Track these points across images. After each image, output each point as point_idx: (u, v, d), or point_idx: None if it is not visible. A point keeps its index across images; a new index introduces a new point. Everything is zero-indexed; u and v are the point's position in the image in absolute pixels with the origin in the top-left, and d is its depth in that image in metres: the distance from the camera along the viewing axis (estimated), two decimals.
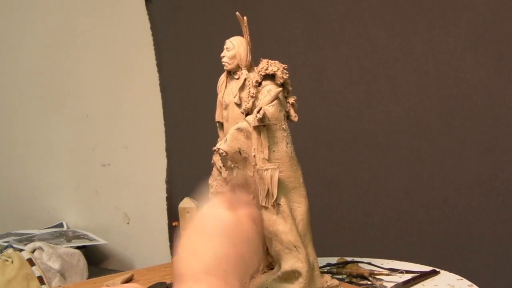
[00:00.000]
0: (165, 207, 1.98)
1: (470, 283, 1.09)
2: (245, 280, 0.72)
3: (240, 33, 0.99)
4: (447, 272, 1.14)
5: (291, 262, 0.94)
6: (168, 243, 1.96)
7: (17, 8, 2.08)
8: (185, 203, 1.41)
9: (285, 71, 0.94)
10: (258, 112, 0.91)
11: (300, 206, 0.95)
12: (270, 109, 0.92)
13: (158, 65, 1.96)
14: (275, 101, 0.92)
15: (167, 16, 1.93)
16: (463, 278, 1.11)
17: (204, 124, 1.74)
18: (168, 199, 1.98)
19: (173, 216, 1.93)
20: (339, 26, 1.64)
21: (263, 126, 0.92)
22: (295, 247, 0.93)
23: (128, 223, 2.06)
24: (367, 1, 1.60)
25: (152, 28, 1.96)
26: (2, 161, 2.20)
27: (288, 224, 0.92)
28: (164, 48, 1.95)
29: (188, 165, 1.95)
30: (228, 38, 1.01)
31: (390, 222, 1.61)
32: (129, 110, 2.02)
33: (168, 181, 1.99)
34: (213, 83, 1.86)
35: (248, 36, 0.98)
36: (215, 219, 0.72)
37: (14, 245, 1.70)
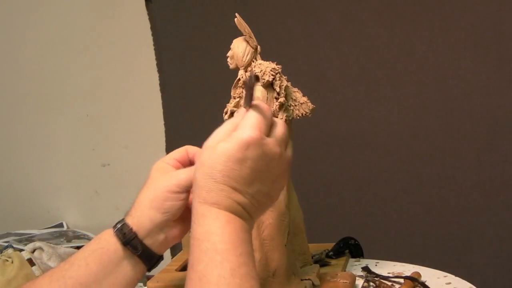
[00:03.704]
0: None
1: (470, 284, 1.08)
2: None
3: (236, 34, 0.99)
4: (446, 273, 1.13)
5: None
6: None
7: (17, 8, 2.08)
8: None
9: (271, 72, 0.94)
10: (225, 113, 0.93)
11: (273, 211, 0.94)
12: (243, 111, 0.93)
13: (158, 65, 1.96)
14: None
15: (167, 16, 1.93)
16: (466, 281, 1.10)
17: (204, 124, 1.74)
18: None
19: None
20: (339, 26, 1.64)
21: None
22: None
23: None
24: (367, 1, 1.60)
25: (152, 28, 1.95)
26: (2, 161, 2.20)
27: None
28: (164, 48, 1.95)
29: None
30: (228, 38, 1.01)
31: (390, 222, 1.61)
32: (129, 110, 2.02)
33: None
34: (213, 83, 1.86)
35: (249, 36, 0.98)
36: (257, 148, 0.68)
37: (14, 245, 1.70)
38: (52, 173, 2.14)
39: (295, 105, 0.98)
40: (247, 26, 0.98)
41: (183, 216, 0.80)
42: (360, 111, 1.62)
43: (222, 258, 0.63)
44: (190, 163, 0.84)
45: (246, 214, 0.68)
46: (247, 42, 0.98)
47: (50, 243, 1.75)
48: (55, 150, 2.13)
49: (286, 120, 0.94)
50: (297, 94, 0.99)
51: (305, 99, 0.98)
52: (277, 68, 0.96)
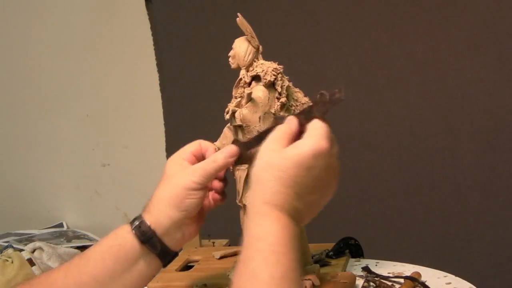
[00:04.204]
0: None
1: (470, 284, 1.08)
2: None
3: (236, 34, 0.99)
4: (446, 273, 1.13)
5: None
6: None
7: (17, 8, 2.08)
8: None
9: (273, 72, 0.94)
10: (226, 113, 0.93)
11: None
12: (243, 111, 0.93)
13: (158, 65, 1.96)
14: (249, 103, 0.94)
15: (167, 16, 1.93)
16: (466, 281, 1.10)
17: (204, 124, 1.74)
18: None
19: None
20: (339, 26, 1.64)
21: (239, 126, 0.93)
22: None
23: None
24: (367, 1, 1.60)
25: (152, 28, 1.95)
26: (2, 161, 2.20)
27: None
28: (164, 48, 1.95)
29: None
30: (228, 38, 1.02)
31: (390, 222, 1.61)
32: (129, 110, 2.02)
33: None
34: (213, 83, 1.86)
35: (250, 35, 0.98)
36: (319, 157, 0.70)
37: (14, 245, 1.70)
38: (52, 173, 2.14)
39: (297, 105, 0.98)
40: (249, 26, 0.98)
41: (199, 212, 0.81)
42: (360, 111, 1.62)
43: (276, 260, 0.64)
44: (203, 157, 0.84)
45: (300, 221, 0.70)
46: (249, 41, 0.98)
47: (50, 243, 1.75)
48: (55, 150, 2.13)
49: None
50: (299, 95, 0.99)
51: (306, 99, 0.99)
52: (279, 68, 0.96)
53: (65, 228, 2.07)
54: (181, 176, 0.80)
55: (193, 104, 1.90)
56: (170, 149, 1.99)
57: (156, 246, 0.78)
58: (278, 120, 0.79)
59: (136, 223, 0.79)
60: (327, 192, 0.73)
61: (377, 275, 1.09)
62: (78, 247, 1.84)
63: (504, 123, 1.46)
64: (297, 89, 1.00)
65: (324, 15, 1.66)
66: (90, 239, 1.96)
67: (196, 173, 0.79)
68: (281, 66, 0.97)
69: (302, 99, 0.99)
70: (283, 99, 0.95)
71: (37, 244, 1.65)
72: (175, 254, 0.81)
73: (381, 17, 1.58)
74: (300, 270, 0.67)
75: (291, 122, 0.74)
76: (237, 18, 0.97)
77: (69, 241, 1.90)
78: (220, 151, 0.83)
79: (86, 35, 2.05)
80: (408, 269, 1.13)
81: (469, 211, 1.52)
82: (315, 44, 1.67)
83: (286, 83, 0.96)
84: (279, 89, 0.95)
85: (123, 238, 0.79)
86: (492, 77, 1.47)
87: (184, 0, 1.89)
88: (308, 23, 1.67)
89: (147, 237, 0.78)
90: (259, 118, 0.94)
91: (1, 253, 1.50)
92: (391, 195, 1.60)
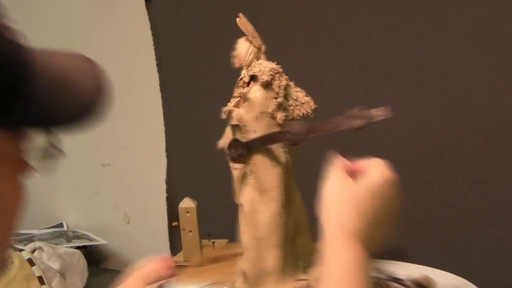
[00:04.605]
0: (165, 207, 1.98)
1: (471, 284, 1.08)
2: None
3: (236, 34, 1.00)
4: (446, 272, 1.14)
5: (241, 261, 0.97)
6: (168, 243, 1.96)
7: (17, 8, 2.08)
8: (185, 203, 1.41)
9: (270, 72, 0.94)
10: (224, 113, 0.95)
11: (268, 210, 0.95)
12: (240, 111, 0.94)
13: (158, 65, 1.96)
14: (246, 103, 0.94)
15: (167, 16, 1.93)
16: (466, 281, 1.10)
17: (204, 124, 1.74)
18: (168, 199, 1.98)
19: (173, 216, 1.93)
20: (339, 26, 1.64)
21: (236, 126, 0.94)
22: (246, 248, 0.94)
23: (128, 223, 2.06)
24: (367, 1, 1.60)
25: (152, 28, 1.95)
26: None
27: (244, 225, 0.95)
28: (164, 48, 1.95)
29: (188, 165, 1.95)
30: (228, 38, 1.02)
31: None
32: (129, 110, 2.02)
33: (168, 181, 1.99)
34: (213, 83, 1.86)
35: (252, 35, 0.98)
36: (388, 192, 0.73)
37: (14, 245, 1.70)
38: (52, 173, 2.14)
39: (296, 105, 0.98)
40: (251, 25, 0.98)
41: None
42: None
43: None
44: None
45: (370, 250, 0.72)
46: (250, 41, 0.98)
47: (50, 243, 1.75)
48: None
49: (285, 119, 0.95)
50: (299, 94, 0.99)
51: (307, 99, 0.99)
52: (276, 68, 0.96)
53: (65, 228, 2.07)
54: None
55: (193, 104, 1.90)
56: (170, 149, 1.99)
57: None
58: (286, 126, 0.81)
59: None
60: (392, 223, 0.75)
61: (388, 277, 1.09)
62: (78, 247, 1.84)
63: (504, 123, 1.46)
64: (298, 89, 1.00)
65: (324, 15, 1.66)
66: (90, 239, 1.96)
67: None
68: (279, 66, 0.97)
69: (302, 99, 0.99)
70: (280, 99, 0.95)
71: (37, 244, 1.65)
72: None
73: (381, 17, 1.58)
74: None
75: (341, 159, 0.79)
76: (237, 19, 0.97)
77: (69, 241, 1.90)
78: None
79: (86, 35, 2.05)
80: (411, 269, 1.13)
81: (469, 211, 1.52)
82: (315, 44, 1.67)
83: (284, 82, 0.96)
84: (276, 89, 0.95)
85: None
86: (492, 77, 1.47)
87: (184, 0, 1.89)
88: (308, 23, 1.67)
89: None
90: (256, 118, 0.94)
91: None
92: None
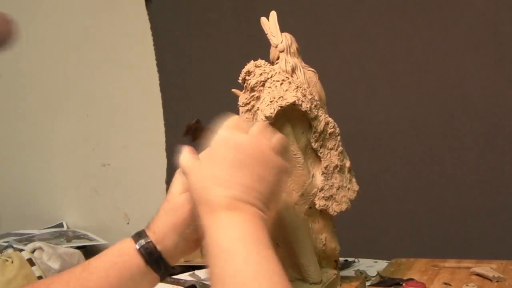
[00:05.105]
0: None
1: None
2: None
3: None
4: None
5: None
6: None
7: (16, 8, 2.08)
8: None
9: (261, 77, 0.94)
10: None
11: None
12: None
13: (158, 65, 1.96)
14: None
15: (167, 16, 1.93)
16: None
17: (204, 124, 1.74)
18: None
19: None
20: (339, 26, 1.64)
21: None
22: None
23: (128, 223, 2.06)
24: (367, 1, 1.60)
25: (152, 28, 1.95)
26: (2, 161, 2.20)
27: None
28: (164, 48, 1.95)
29: None
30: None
31: (390, 222, 1.61)
32: (129, 110, 2.02)
33: (168, 181, 1.99)
34: (213, 83, 1.86)
35: (270, 34, 0.99)
36: (232, 143, 0.72)
37: (14, 245, 1.69)
38: (52, 173, 2.14)
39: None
40: (272, 24, 0.99)
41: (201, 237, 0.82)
42: (360, 111, 1.62)
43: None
44: None
45: (263, 201, 0.70)
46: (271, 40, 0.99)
47: (50, 243, 1.75)
48: (55, 150, 2.13)
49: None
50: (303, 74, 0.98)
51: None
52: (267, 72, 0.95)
53: (65, 228, 2.07)
54: (185, 204, 0.81)
55: (193, 104, 1.90)
56: (170, 149, 1.99)
57: (160, 268, 0.78)
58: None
59: (142, 242, 0.79)
60: (262, 167, 0.72)
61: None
62: (78, 247, 1.84)
63: (504, 123, 1.46)
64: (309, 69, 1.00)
65: (324, 15, 1.66)
66: (90, 239, 1.96)
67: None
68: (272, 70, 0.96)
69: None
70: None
71: (37, 244, 1.65)
72: (173, 270, 0.82)
73: (381, 17, 1.58)
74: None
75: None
76: (261, 18, 0.98)
77: (69, 241, 1.90)
78: None
79: (86, 35, 2.05)
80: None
81: (469, 211, 1.52)
82: (315, 44, 1.67)
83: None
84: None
85: (128, 256, 0.78)
86: (492, 77, 1.47)
87: (184, 0, 1.89)
88: (308, 23, 1.67)
89: (153, 259, 0.78)
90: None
91: (1, 253, 1.50)
92: (391, 195, 1.60)
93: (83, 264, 0.79)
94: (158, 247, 0.78)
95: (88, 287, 0.76)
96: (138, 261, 0.78)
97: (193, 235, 0.79)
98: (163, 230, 0.80)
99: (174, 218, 0.80)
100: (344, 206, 0.97)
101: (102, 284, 0.76)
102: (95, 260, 0.79)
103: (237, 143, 0.72)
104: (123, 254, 0.79)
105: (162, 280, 0.81)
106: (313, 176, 0.95)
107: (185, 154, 0.77)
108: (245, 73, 0.92)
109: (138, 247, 0.78)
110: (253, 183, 0.70)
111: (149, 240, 0.79)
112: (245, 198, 0.68)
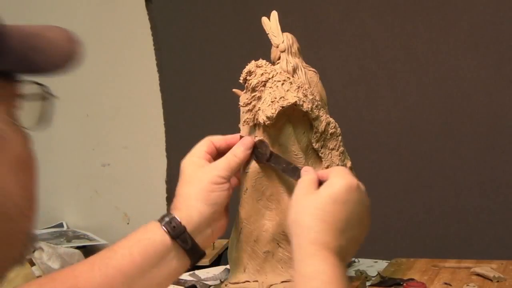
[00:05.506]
0: (165, 207, 1.98)
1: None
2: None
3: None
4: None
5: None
6: None
7: (16, 8, 2.08)
8: None
9: (262, 77, 0.93)
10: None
11: (271, 221, 0.92)
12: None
13: (158, 65, 1.96)
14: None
15: (167, 16, 1.93)
16: None
17: (204, 124, 1.74)
18: (168, 199, 1.98)
19: None
20: (339, 26, 1.64)
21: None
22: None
23: (128, 223, 2.06)
24: (367, 1, 1.60)
25: (152, 28, 1.95)
26: None
27: (235, 234, 0.93)
28: (164, 48, 1.95)
29: None
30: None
31: (390, 222, 1.61)
32: (129, 110, 2.02)
33: (168, 181, 1.99)
34: (213, 83, 1.86)
35: (271, 34, 0.99)
36: (358, 200, 0.75)
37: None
38: (52, 173, 2.14)
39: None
40: (273, 24, 0.99)
41: (226, 209, 0.83)
42: (360, 111, 1.62)
43: None
44: (218, 153, 0.87)
45: (344, 258, 0.72)
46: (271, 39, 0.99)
47: (50, 243, 1.75)
48: (55, 150, 2.13)
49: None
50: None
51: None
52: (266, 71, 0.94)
53: (65, 228, 2.07)
54: (206, 172, 0.81)
55: (193, 104, 1.90)
56: (170, 149, 1.99)
57: (187, 242, 0.77)
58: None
59: (166, 219, 0.78)
60: (363, 227, 0.77)
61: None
62: (78, 247, 1.84)
63: (504, 123, 1.47)
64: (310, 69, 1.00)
65: (324, 15, 1.66)
66: (90, 239, 1.95)
67: (218, 167, 0.82)
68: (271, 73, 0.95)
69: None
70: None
71: (37, 244, 1.65)
72: (203, 254, 0.81)
73: (381, 17, 1.58)
74: None
75: (311, 171, 0.79)
76: (262, 18, 0.98)
77: (69, 241, 1.90)
78: (237, 146, 0.86)
79: (85, 35, 2.04)
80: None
81: (469, 211, 1.52)
82: (316, 44, 1.67)
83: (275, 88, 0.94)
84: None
85: (153, 233, 0.78)
86: (492, 77, 1.47)
87: (184, 0, 1.89)
88: (309, 23, 1.67)
89: (177, 232, 0.77)
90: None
91: None
92: (391, 195, 1.60)
93: (109, 246, 0.79)
94: (183, 221, 0.78)
95: (112, 265, 0.75)
96: (162, 237, 0.77)
97: (219, 203, 0.80)
98: (185, 203, 0.79)
99: (195, 188, 0.80)
100: None
101: (126, 262, 0.75)
102: (120, 241, 0.79)
103: (362, 203, 0.76)
104: (147, 232, 0.79)
105: (195, 263, 0.80)
106: None
107: (307, 182, 0.77)
108: (246, 73, 0.92)
109: (162, 224, 0.78)
110: (351, 246, 0.74)
111: (173, 215, 0.78)
112: (340, 255, 0.71)
